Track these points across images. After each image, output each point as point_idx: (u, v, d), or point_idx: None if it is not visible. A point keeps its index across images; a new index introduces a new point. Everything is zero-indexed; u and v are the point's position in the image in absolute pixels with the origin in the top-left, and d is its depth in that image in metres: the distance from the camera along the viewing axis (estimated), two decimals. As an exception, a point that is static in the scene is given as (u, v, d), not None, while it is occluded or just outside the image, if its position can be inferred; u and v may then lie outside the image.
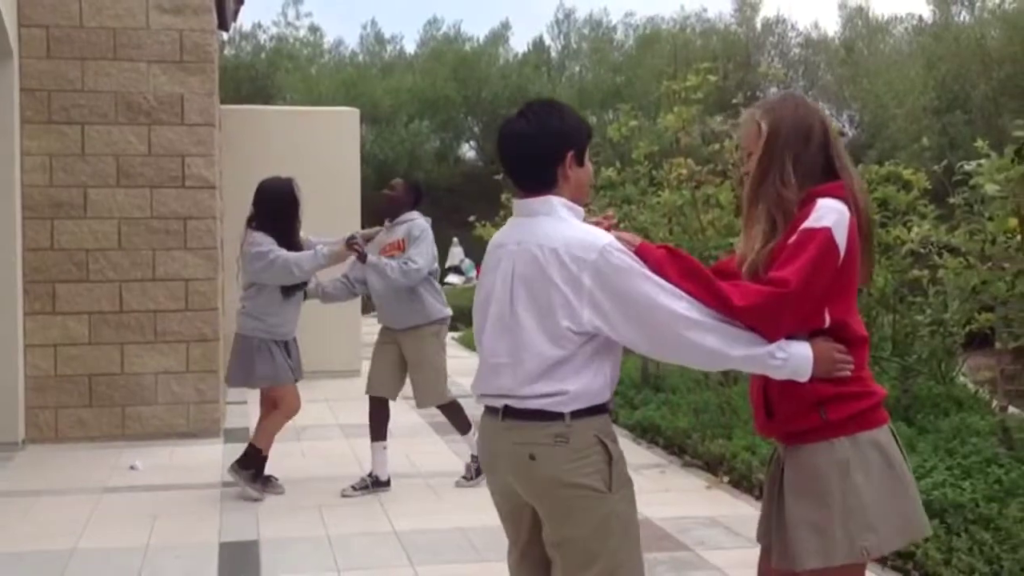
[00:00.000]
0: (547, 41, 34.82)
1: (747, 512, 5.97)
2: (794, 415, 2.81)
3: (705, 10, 56.13)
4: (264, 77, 31.16)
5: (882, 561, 4.99)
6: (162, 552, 5.44)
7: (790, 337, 2.72)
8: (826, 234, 2.72)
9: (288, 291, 6.45)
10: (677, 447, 7.78)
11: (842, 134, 8.05)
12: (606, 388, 2.78)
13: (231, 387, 6.61)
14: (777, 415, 2.85)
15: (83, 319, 8.16)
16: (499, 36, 34.62)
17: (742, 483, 6.60)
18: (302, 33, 34.07)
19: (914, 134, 18.32)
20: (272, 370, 6.44)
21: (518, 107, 2.94)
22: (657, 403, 8.79)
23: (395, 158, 28.73)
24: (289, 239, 6.45)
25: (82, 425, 8.16)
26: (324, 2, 58.29)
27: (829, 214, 2.75)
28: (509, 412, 2.79)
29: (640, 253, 2.73)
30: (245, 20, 35.22)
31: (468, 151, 33.73)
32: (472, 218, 16.69)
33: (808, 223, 2.74)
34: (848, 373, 2.79)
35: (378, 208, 7.02)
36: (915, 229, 7.12)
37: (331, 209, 11.17)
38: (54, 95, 8.11)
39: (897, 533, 2.84)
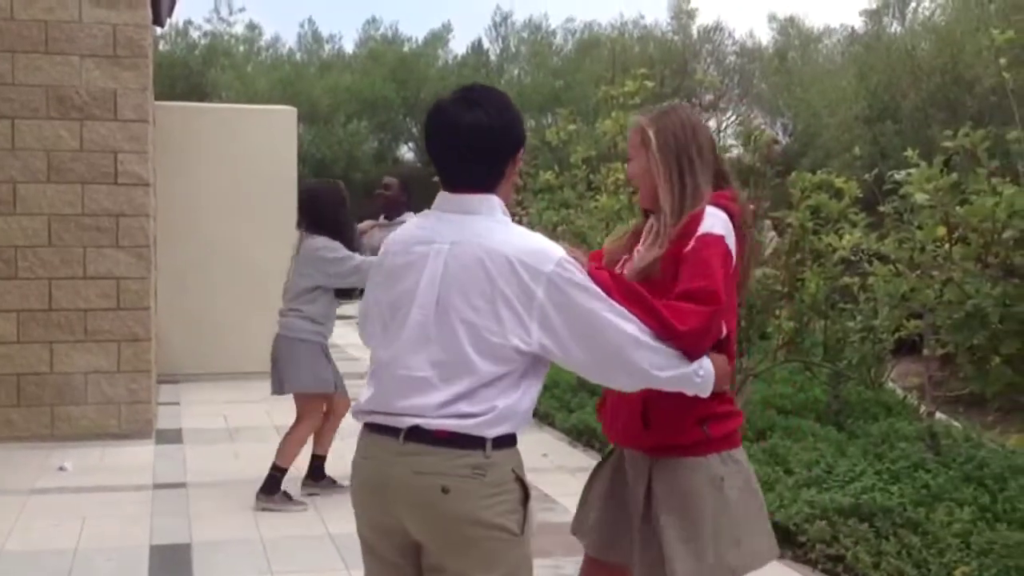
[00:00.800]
0: (486, 44, 34.85)
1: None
2: (677, 428, 2.77)
3: (643, 16, 56.50)
4: (199, 74, 30.73)
5: (812, 564, 5.07)
6: (92, 555, 5.35)
7: None
8: (723, 242, 2.72)
9: (343, 295, 6.34)
10: (612, 450, 7.82)
11: (776, 142, 8.14)
12: (529, 414, 2.55)
13: (288, 393, 6.40)
14: (655, 427, 2.79)
15: (11, 317, 7.99)
16: (438, 38, 34.54)
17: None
18: (238, 30, 33.75)
19: (846, 143, 18.56)
20: (335, 374, 6.37)
21: (453, 95, 2.61)
22: (593, 407, 8.82)
23: (333, 158, 28.51)
24: (349, 245, 6.29)
25: (10, 425, 7.98)
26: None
27: (718, 222, 2.74)
28: (416, 434, 2.46)
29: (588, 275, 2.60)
30: (178, 16, 34.78)
31: (406, 152, 33.60)
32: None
33: (704, 229, 2.72)
34: (728, 387, 2.79)
35: (374, 208, 6.98)
36: (846, 237, 7.24)
37: (268, 208, 11.09)
38: (-17, 88, 7.94)
39: (755, 553, 2.83)
